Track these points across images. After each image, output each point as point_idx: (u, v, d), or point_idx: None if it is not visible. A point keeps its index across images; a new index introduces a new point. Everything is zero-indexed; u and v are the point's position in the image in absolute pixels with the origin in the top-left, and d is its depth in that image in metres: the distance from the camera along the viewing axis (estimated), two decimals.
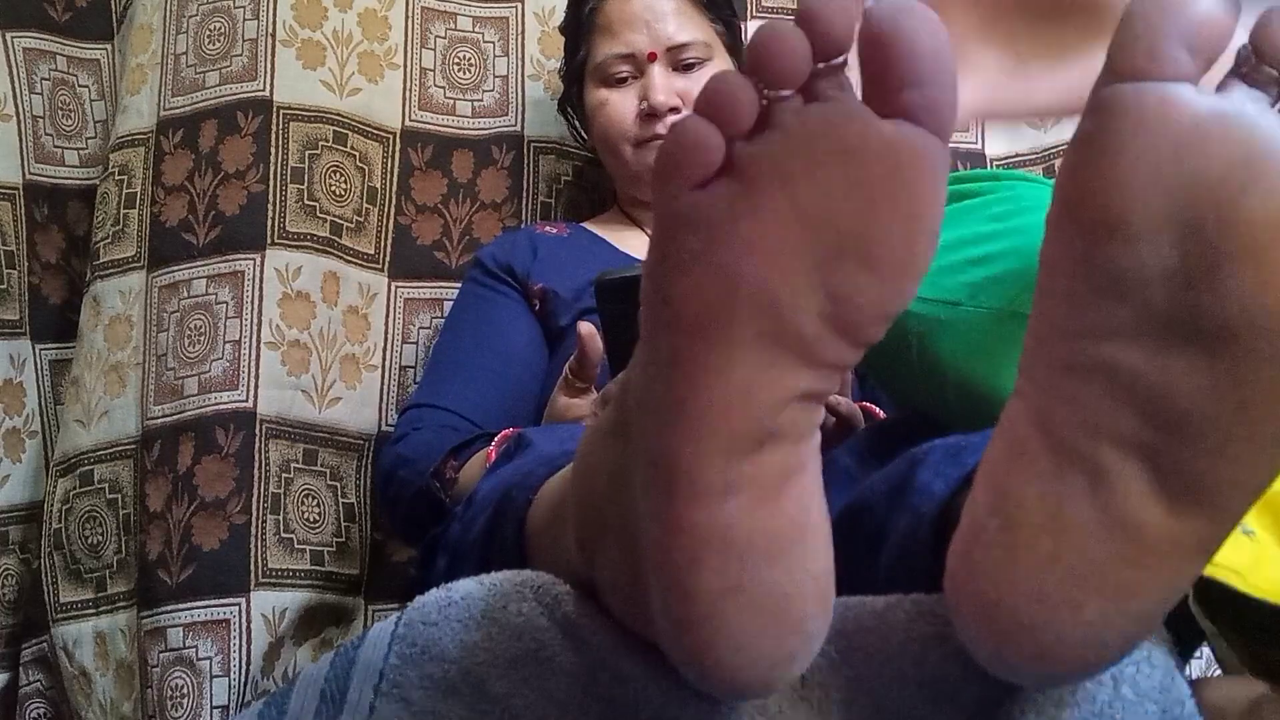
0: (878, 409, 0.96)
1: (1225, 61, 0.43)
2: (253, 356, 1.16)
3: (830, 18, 0.42)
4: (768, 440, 0.44)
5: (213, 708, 1.05)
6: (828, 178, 0.42)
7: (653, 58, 1.17)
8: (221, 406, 1.14)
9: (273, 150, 1.22)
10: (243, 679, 1.08)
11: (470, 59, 1.38)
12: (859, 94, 0.44)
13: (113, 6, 1.38)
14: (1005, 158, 1.37)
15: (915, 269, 0.44)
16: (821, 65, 0.43)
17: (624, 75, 1.19)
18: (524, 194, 1.37)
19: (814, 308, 0.43)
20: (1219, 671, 0.58)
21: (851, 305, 0.44)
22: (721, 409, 0.43)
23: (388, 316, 1.28)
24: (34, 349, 1.30)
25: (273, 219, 1.20)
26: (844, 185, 0.42)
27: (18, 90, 1.31)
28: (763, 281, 0.43)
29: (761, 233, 0.43)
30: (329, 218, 1.24)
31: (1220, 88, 0.42)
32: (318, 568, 1.16)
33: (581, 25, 1.23)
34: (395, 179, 1.31)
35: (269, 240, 1.19)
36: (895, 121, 0.43)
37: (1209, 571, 0.50)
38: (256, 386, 1.15)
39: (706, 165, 0.43)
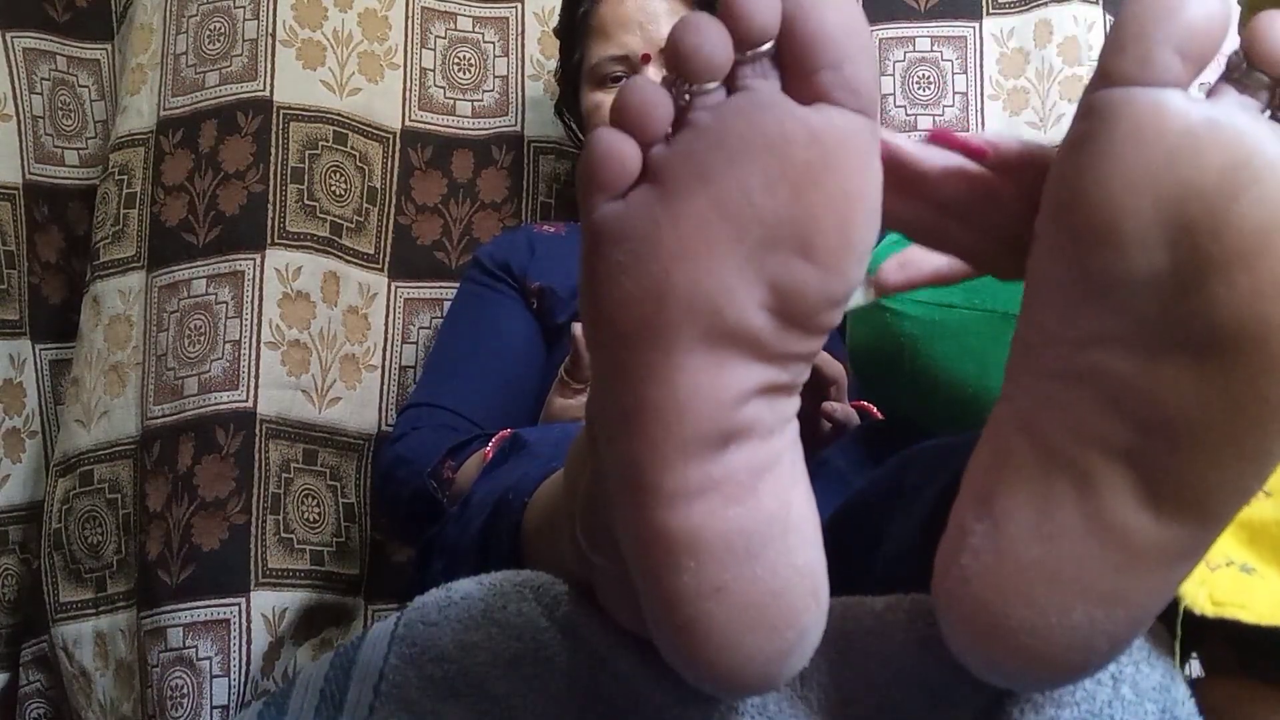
0: (875, 409, 0.96)
1: (1216, 66, 0.43)
2: (253, 356, 1.16)
3: (750, 4, 0.42)
4: (733, 439, 0.44)
5: (213, 708, 1.05)
6: (747, 172, 0.42)
7: (646, 59, 1.17)
8: (221, 406, 1.14)
9: (273, 150, 1.22)
10: (243, 679, 1.08)
11: (470, 59, 1.38)
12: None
13: (113, 6, 1.38)
14: None
15: (855, 252, 0.44)
16: (749, 53, 0.42)
17: (619, 77, 1.18)
18: (524, 194, 1.37)
19: (755, 302, 0.43)
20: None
21: (795, 295, 0.43)
22: (674, 415, 0.43)
23: (388, 316, 1.28)
24: (34, 349, 1.30)
25: (273, 219, 1.20)
26: (765, 177, 0.42)
27: (18, 90, 1.31)
28: (695, 284, 0.42)
29: (685, 236, 0.42)
30: (329, 218, 1.24)
31: (1211, 94, 0.42)
32: (318, 568, 1.16)
33: (576, 28, 1.22)
34: (395, 179, 1.31)
35: (269, 240, 1.19)
36: (815, 106, 0.42)
37: (1215, 611, 0.50)
38: (256, 386, 1.15)
39: (623, 176, 0.43)
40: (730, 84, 0.43)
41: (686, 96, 0.43)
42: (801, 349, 0.45)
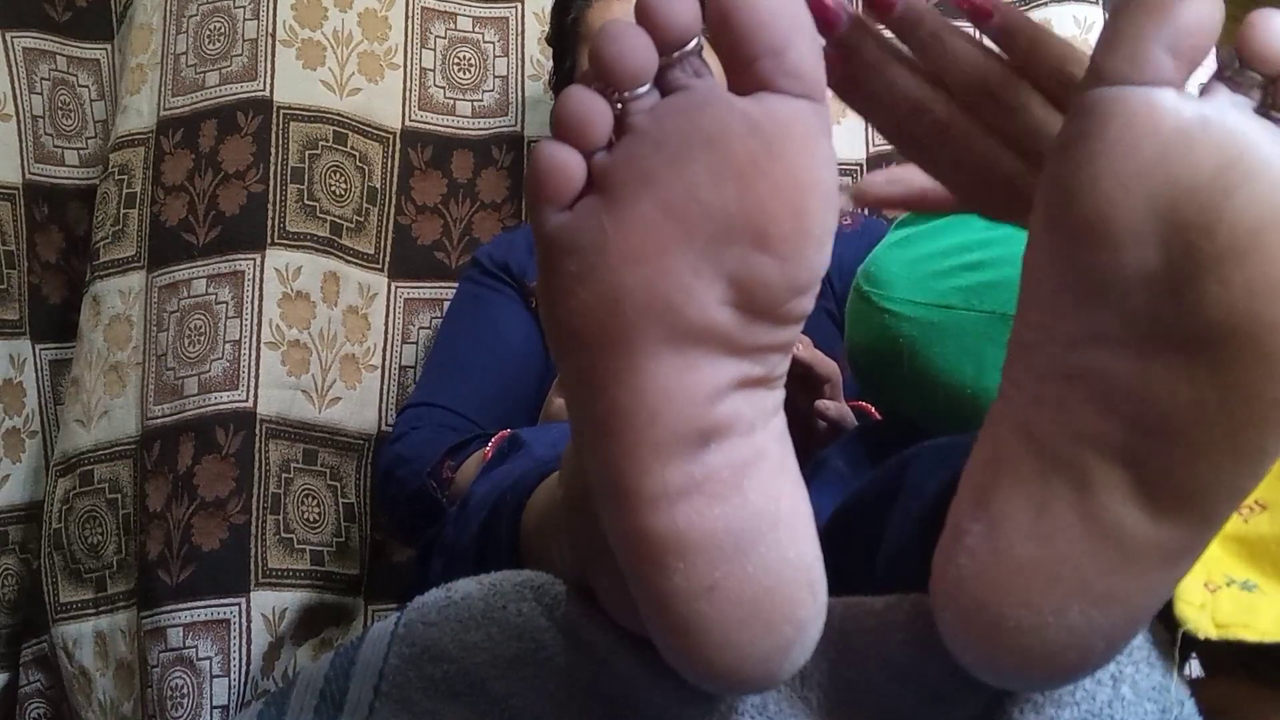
0: (873, 408, 0.96)
1: (1209, 65, 0.43)
2: (253, 356, 1.16)
3: (665, 6, 0.42)
4: (711, 437, 0.44)
5: (213, 708, 1.06)
6: (690, 170, 0.42)
7: None
8: (221, 406, 1.14)
9: (273, 150, 1.22)
10: (243, 679, 1.08)
11: (470, 59, 1.38)
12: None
13: (113, 6, 1.38)
14: None
15: (813, 237, 0.43)
16: (674, 55, 0.42)
17: None
18: (524, 194, 1.37)
19: (715, 299, 0.43)
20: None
21: (756, 288, 0.43)
22: (646, 418, 0.43)
23: (388, 316, 1.28)
24: (34, 349, 1.30)
25: (273, 219, 1.20)
26: (709, 173, 0.42)
27: (18, 90, 1.31)
28: (650, 287, 0.42)
29: (634, 240, 0.42)
30: (329, 218, 1.24)
31: (1203, 92, 0.42)
32: (318, 568, 1.16)
33: (566, 35, 1.23)
34: (395, 179, 1.31)
35: (269, 240, 1.19)
36: (755, 96, 0.42)
37: (1219, 634, 0.50)
38: (256, 386, 1.15)
39: (568, 187, 0.42)
40: (665, 85, 0.43)
41: (619, 104, 0.42)
42: (773, 340, 0.45)
